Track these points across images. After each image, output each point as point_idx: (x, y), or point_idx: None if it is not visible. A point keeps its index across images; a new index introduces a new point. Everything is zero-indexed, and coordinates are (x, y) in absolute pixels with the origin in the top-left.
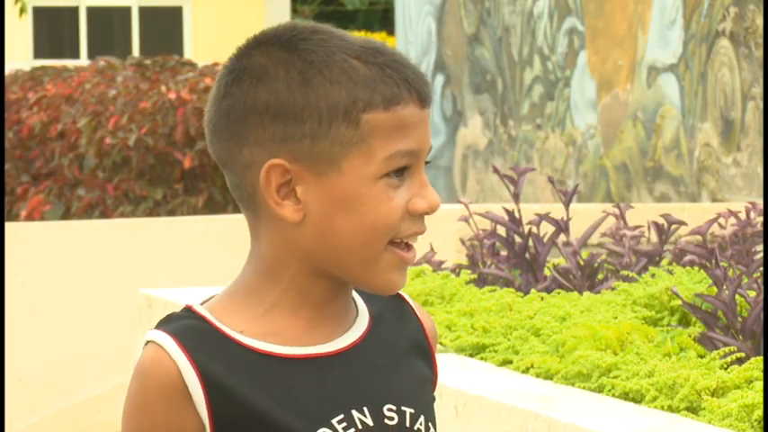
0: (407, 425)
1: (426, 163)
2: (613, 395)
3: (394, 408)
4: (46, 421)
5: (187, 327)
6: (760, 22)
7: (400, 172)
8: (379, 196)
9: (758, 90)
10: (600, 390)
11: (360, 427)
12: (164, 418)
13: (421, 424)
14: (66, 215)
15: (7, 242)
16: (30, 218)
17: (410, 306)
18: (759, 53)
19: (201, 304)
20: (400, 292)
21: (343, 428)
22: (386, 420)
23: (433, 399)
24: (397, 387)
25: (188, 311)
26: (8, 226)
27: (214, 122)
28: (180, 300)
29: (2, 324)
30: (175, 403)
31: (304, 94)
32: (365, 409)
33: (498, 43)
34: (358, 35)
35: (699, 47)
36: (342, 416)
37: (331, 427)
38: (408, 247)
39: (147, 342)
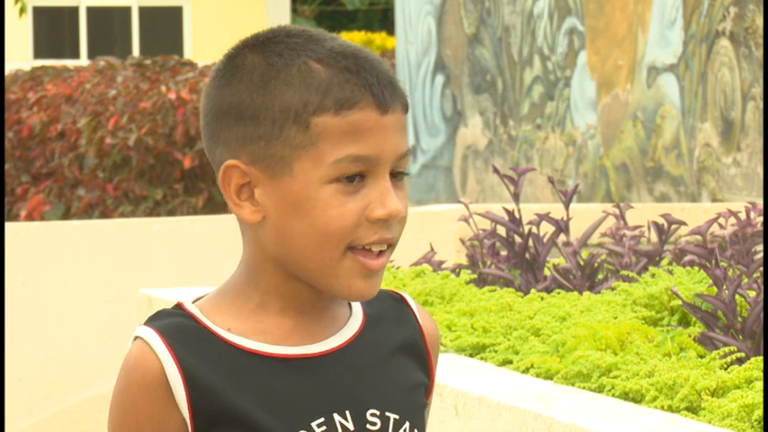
0: (390, 430)
1: (400, 173)
2: (613, 395)
3: (378, 413)
4: (46, 421)
5: (174, 324)
6: (760, 22)
7: (353, 178)
8: (329, 201)
9: (758, 90)
10: (600, 390)
11: (340, 430)
12: (147, 415)
13: (405, 430)
14: (66, 215)
15: (7, 242)
16: (30, 218)
17: (411, 309)
18: (759, 53)
19: (193, 302)
20: (403, 294)
21: None
22: (368, 425)
23: (424, 405)
24: (383, 392)
25: (178, 308)
26: (8, 226)
27: (202, 123)
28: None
29: (2, 324)
30: (158, 399)
31: (261, 96)
32: (347, 412)
33: (498, 43)
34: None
35: (699, 47)
36: (322, 419)
37: (310, 429)
38: (373, 253)
39: (135, 338)
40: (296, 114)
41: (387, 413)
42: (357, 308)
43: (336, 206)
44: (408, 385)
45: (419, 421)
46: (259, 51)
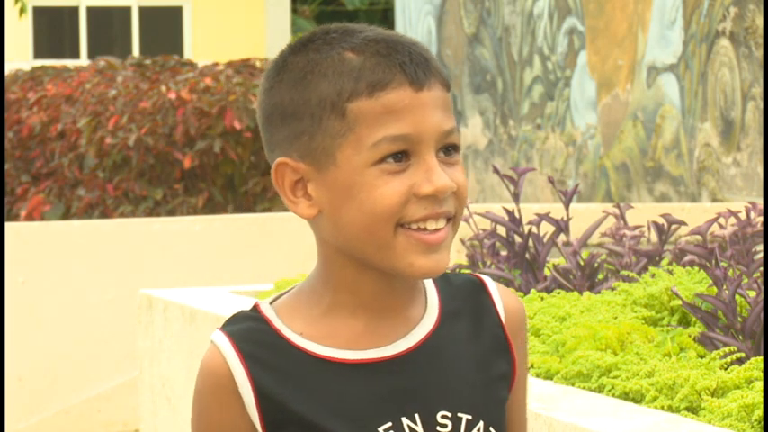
0: (462, 431)
1: (452, 147)
2: (613, 395)
3: (449, 414)
4: (46, 421)
5: (247, 329)
6: (760, 22)
7: (400, 157)
8: (374, 182)
9: (758, 90)
10: (600, 390)
11: None
12: (218, 418)
13: (479, 430)
14: (66, 215)
15: (7, 242)
16: (30, 218)
17: (490, 296)
18: (759, 53)
19: (272, 301)
20: (482, 277)
21: None
22: (438, 428)
23: (505, 398)
24: (455, 392)
25: (254, 311)
26: (8, 226)
27: (260, 131)
28: (180, 300)
29: (2, 324)
30: (229, 405)
31: (300, 92)
32: (416, 416)
33: (498, 43)
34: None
35: (699, 47)
36: (390, 423)
37: None
38: (428, 231)
39: (212, 341)
40: (332, 104)
41: (459, 414)
42: (432, 304)
43: (381, 186)
44: (485, 381)
45: (496, 418)
46: (300, 52)
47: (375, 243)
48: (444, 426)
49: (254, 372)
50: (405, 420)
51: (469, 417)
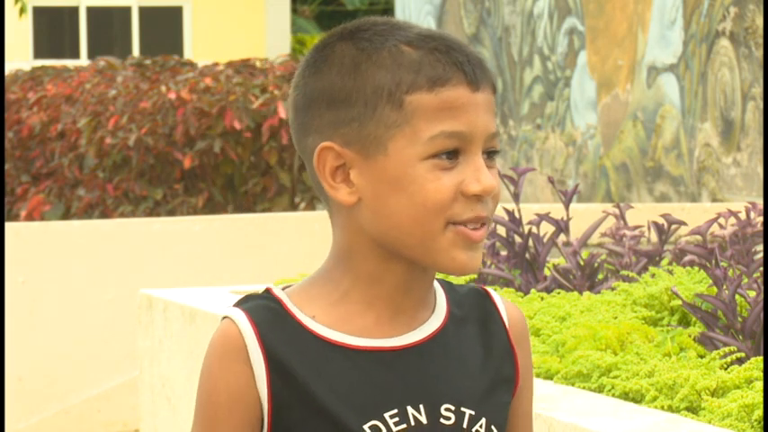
0: (464, 426)
1: (495, 152)
2: (613, 395)
3: (452, 408)
4: (46, 421)
5: (262, 306)
6: (760, 22)
7: (452, 154)
8: (426, 176)
9: (758, 90)
10: (600, 390)
11: (413, 423)
12: (224, 384)
13: (481, 426)
14: (66, 215)
15: (7, 242)
16: (30, 218)
17: (495, 306)
18: (759, 53)
19: (283, 289)
20: (488, 289)
21: (395, 423)
22: (442, 420)
23: (507, 402)
24: (460, 388)
25: (267, 293)
26: (8, 226)
27: (291, 116)
28: (180, 300)
29: (2, 324)
30: (236, 373)
31: (353, 79)
32: (421, 406)
33: (498, 43)
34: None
35: (699, 47)
36: (395, 410)
37: (382, 420)
38: (473, 229)
39: (224, 318)
40: (389, 93)
41: (462, 408)
42: (441, 306)
43: (433, 180)
44: (490, 384)
45: (499, 419)
46: (348, 39)
47: (421, 236)
48: (448, 418)
49: (268, 346)
50: (410, 409)
51: (472, 413)
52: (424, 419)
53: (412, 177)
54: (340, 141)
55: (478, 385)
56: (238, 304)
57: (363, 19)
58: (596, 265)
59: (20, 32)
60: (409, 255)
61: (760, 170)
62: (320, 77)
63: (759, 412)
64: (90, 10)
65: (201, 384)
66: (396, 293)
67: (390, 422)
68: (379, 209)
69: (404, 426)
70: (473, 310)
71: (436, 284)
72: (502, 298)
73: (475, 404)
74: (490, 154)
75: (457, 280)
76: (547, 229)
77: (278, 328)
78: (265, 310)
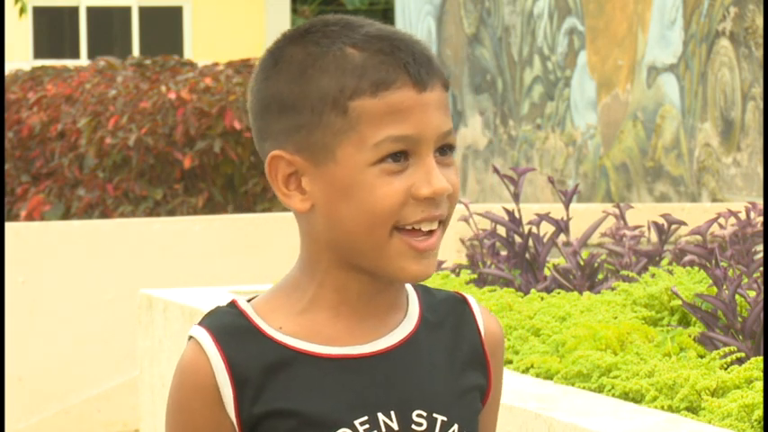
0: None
1: (448, 147)
2: (613, 395)
3: (424, 414)
4: (46, 421)
5: (226, 323)
6: (760, 22)
7: (398, 157)
8: (374, 182)
9: (758, 90)
10: (600, 390)
11: (384, 430)
12: (201, 416)
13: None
14: (66, 215)
15: (7, 242)
16: (30, 218)
17: (472, 313)
18: (759, 53)
19: (249, 300)
20: (466, 296)
21: (365, 430)
22: (413, 426)
23: (478, 409)
24: (432, 394)
25: (232, 306)
26: (8, 226)
27: (250, 121)
28: (180, 300)
29: (2, 324)
30: (211, 401)
31: (299, 85)
32: (392, 413)
33: (498, 43)
34: (384, 25)
35: (699, 47)
36: (366, 417)
37: (352, 427)
38: (422, 233)
39: (190, 337)
40: (334, 100)
41: (434, 414)
42: (413, 311)
43: (382, 186)
44: (461, 389)
45: (471, 425)
46: (298, 43)
47: (370, 243)
48: (419, 424)
49: (233, 367)
50: (380, 416)
51: (444, 418)
52: (395, 426)
53: (361, 184)
54: (291, 148)
55: (450, 391)
56: (203, 321)
57: (317, 19)
58: (596, 265)
59: (20, 32)
60: (362, 263)
61: (760, 170)
62: (270, 83)
63: (759, 412)
64: (90, 10)
65: (177, 416)
66: (362, 301)
67: (360, 429)
68: (331, 216)
69: None
70: (448, 315)
71: (410, 288)
72: (481, 306)
73: (447, 410)
74: (445, 150)
75: (455, 282)
76: (547, 229)
77: (244, 343)
78: (230, 327)
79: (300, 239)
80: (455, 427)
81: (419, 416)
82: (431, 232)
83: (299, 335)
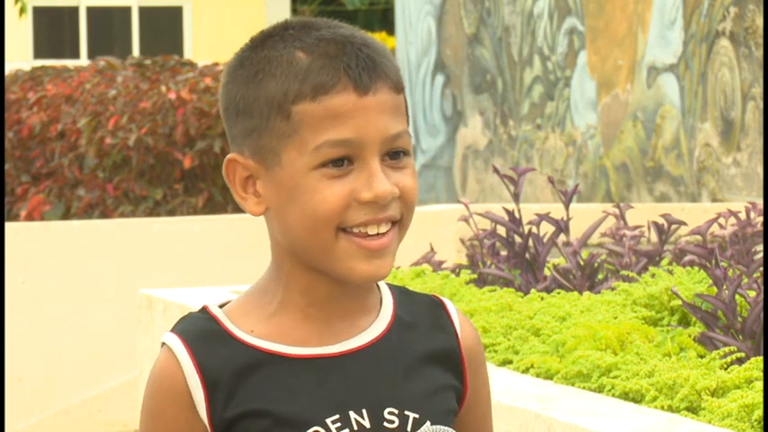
0: (408, 429)
1: (402, 151)
2: (613, 395)
3: (396, 411)
4: (46, 421)
5: (198, 328)
6: (760, 22)
7: (341, 162)
8: (315, 186)
9: (758, 90)
10: (600, 390)
11: (356, 428)
12: (175, 421)
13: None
14: (66, 215)
15: (7, 242)
16: (30, 218)
17: (449, 316)
18: (759, 53)
19: (222, 305)
20: (443, 299)
21: (337, 428)
22: (385, 423)
23: (453, 408)
24: (403, 392)
25: (203, 312)
26: (8, 226)
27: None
28: (180, 300)
29: (2, 324)
30: (184, 407)
31: (252, 90)
32: (363, 411)
33: (498, 43)
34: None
35: (699, 47)
36: (337, 416)
37: (324, 426)
38: (369, 236)
39: (162, 344)
40: (278, 105)
41: (406, 412)
42: (386, 311)
43: (321, 190)
44: (434, 388)
45: (445, 422)
46: (257, 48)
47: (317, 246)
48: (391, 422)
49: (205, 372)
50: (352, 414)
51: (416, 416)
52: (367, 423)
53: (302, 188)
54: (247, 152)
55: (422, 389)
56: (175, 327)
57: (280, 22)
58: (596, 265)
59: (20, 32)
60: (316, 265)
61: (760, 170)
62: (231, 87)
63: (759, 412)
64: (90, 10)
65: (151, 422)
66: (329, 302)
67: (332, 427)
68: (282, 219)
69: (347, 431)
70: (424, 317)
71: (385, 289)
72: (458, 311)
73: (418, 407)
74: (397, 154)
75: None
76: (547, 229)
77: (215, 348)
78: (201, 331)
79: (270, 243)
80: (427, 423)
81: (390, 413)
82: (382, 234)
83: (270, 337)
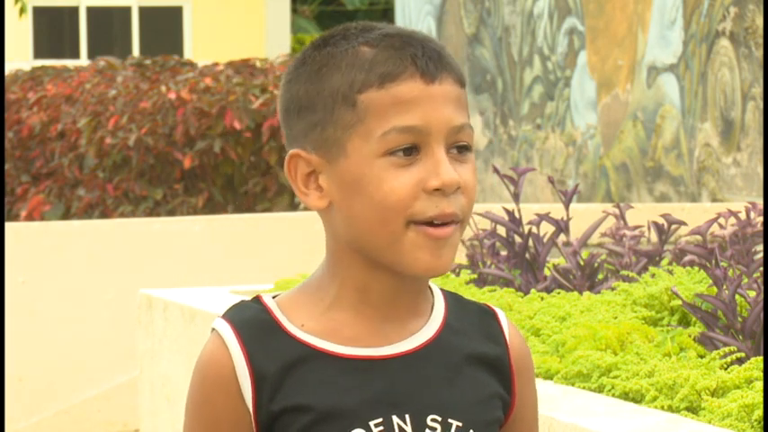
0: None
1: (464, 146)
2: (613, 395)
3: (439, 419)
4: (46, 421)
5: (249, 318)
6: (760, 22)
7: (409, 150)
8: (382, 175)
9: (758, 90)
10: (600, 390)
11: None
12: (223, 408)
13: None
14: (66, 215)
15: (7, 242)
16: (30, 218)
17: (500, 326)
18: (759, 53)
19: (275, 296)
20: (495, 309)
21: (379, 431)
22: (427, 430)
23: (499, 419)
24: (448, 399)
25: (256, 301)
26: (8, 226)
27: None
28: (180, 300)
29: (2, 324)
30: (232, 394)
31: (315, 85)
32: (407, 416)
33: (498, 43)
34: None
35: (699, 47)
36: (380, 419)
37: (367, 427)
38: (438, 225)
39: (213, 329)
40: (343, 95)
41: (449, 420)
42: (437, 316)
43: (389, 179)
44: (480, 397)
45: (488, 431)
46: (319, 47)
47: (385, 237)
48: (433, 429)
49: (254, 361)
50: (395, 419)
51: (459, 424)
52: (408, 429)
53: (369, 177)
54: (309, 147)
55: (468, 397)
56: (227, 314)
57: (342, 25)
58: (596, 265)
59: (20, 32)
60: (379, 258)
61: (760, 170)
62: (291, 85)
63: (759, 412)
64: (90, 10)
65: (198, 409)
66: (384, 302)
67: (375, 430)
68: (347, 212)
69: None
70: (474, 324)
71: (437, 293)
72: (509, 321)
73: (462, 416)
74: (461, 149)
75: (460, 284)
76: (547, 229)
77: (265, 339)
78: (253, 322)
79: (326, 240)
80: None
81: (434, 420)
82: (445, 224)
83: (321, 333)
